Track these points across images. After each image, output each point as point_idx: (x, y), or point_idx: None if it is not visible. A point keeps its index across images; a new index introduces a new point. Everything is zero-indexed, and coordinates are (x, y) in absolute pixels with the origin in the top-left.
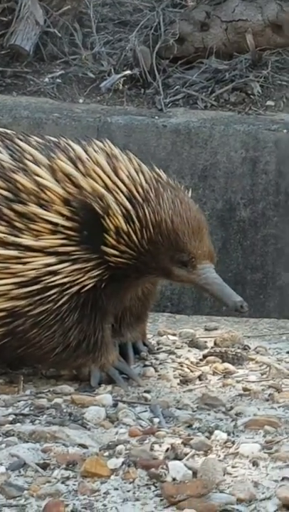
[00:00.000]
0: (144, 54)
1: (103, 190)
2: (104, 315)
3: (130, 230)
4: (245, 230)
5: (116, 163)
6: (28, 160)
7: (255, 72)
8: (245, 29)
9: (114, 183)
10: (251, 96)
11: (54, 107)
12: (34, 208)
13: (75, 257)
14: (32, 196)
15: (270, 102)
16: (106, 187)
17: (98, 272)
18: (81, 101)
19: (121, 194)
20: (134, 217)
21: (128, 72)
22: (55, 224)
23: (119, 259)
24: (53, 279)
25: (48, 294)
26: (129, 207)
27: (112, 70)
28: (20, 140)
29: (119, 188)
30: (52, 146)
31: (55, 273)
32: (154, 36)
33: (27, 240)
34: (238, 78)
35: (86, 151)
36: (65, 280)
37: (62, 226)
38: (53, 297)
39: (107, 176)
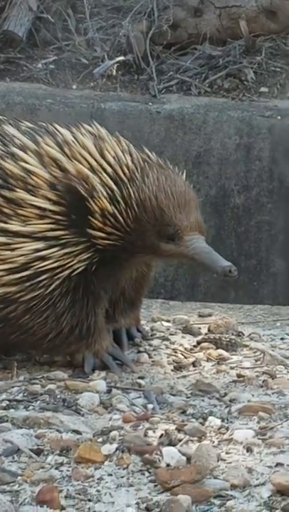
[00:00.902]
0: (138, 40)
1: (88, 172)
2: (96, 299)
3: (116, 211)
4: (239, 216)
5: (102, 145)
6: (16, 146)
7: (249, 59)
8: (239, 15)
9: (99, 164)
10: (245, 82)
11: (47, 93)
12: (21, 194)
13: (64, 241)
14: (19, 182)
15: (263, 89)
16: (91, 169)
17: (88, 255)
18: (74, 87)
19: (106, 175)
20: (118, 197)
21: (122, 58)
22: (43, 209)
23: (106, 241)
24: (42, 265)
25: (39, 279)
26: (114, 187)
27: (106, 56)
28: (11, 125)
29: (104, 169)
30: (40, 132)
31: (44, 258)
32: (148, 22)
33: (15, 226)
34: (232, 64)
35: (73, 135)
36: (55, 265)
37: (50, 211)
38: (43, 283)
39: (93, 157)
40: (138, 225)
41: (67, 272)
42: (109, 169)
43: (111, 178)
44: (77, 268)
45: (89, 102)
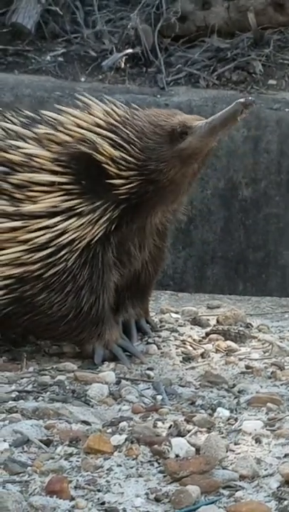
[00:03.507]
0: (146, 32)
1: (83, 132)
2: (111, 273)
3: (123, 153)
4: (247, 209)
5: (90, 108)
6: (13, 137)
7: (257, 51)
8: (247, 8)
9: (92, 123)
10: (253, 75)
11: (56, 85)
12: (27, 174)
13: (79, 210)
14: (24, 167)
15: (272, 81)
16: (86, 130)
17: (106, 217)
18: (83, 79)
19: (100, 129)
20: (120, 141)
21: (130, 50)
22: (51, 184)
23: (129, 186)
24: (62, 239)
25: (60, 254)
26: (111, 135)
27: (114, 49)
28: (12, 116)
29: (97, 125)
30: (36, 119)
31: (63, 232)
32: (156, 15)
33: (27, 207)
34: (240, 57)
35: (60, 112)
36: (74, 236)
37: (59, 183)
38: (64, 257)
39: (84, 121)
40: (149, 152)
41: (86, 241)
42: (101, 122)
43: (106, 129)
44: (98, 234)
45: (97, 95)
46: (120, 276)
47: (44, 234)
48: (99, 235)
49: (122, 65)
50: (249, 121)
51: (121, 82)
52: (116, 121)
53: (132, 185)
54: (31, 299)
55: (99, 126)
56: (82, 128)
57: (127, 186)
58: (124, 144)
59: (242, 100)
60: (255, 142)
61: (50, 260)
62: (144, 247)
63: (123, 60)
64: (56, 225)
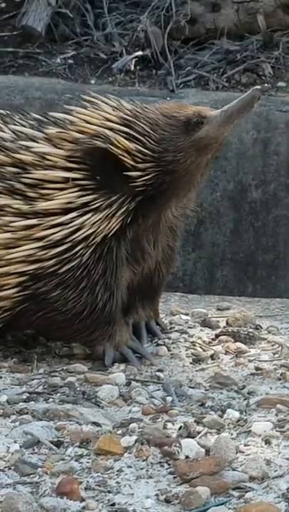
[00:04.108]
0: (156, 35)
1: (96, 127)
2: (123, 270)
3: (138, 146)
4: (256, 211)
5: (99, 107)
6: (24, 139)
7: (267, 53)
8: (257, 10)
9: (103, 119)
10: (262, 77)
11: (66, 87)
12: (41, 171)
13: (95, 205)
14: (37, 167)
15: (281, 83)
16: (98, 126)
17: (122, 210)
18: (93, 82)
19: (113, 123)
20: (134, 133)
21: (140, 53)
22: (65, 180)
23: (146, 178)
24: (78, 234)
25: (76, 250)
26: (125, 129)
27: (124, 51)
28: (20, 119)
29: (109, 120)
30: (45, 121)
31: (79, 228)
32: (166, 17)
33: (42, 204)
34: (250, 59)
35: (68, 112)
36: (90, 231)
37: (73, 179)
38: (80, 252)
39: (95, 117)
40: (165, 143)
41: (101, 236)
42: (113, 117)
43: (119, 124)
44: (114, 228)
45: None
46: (133, 274)
47: (60, 230)
48: (115, 229)
49: (132, 68)
50: (258, 124)
51: (131, 84)
52: (127, 115)
53: (148, 176)
54: (45, 295)
55: (110, 121)
56: (93, 124)
57: (143, 178)
58: (139, 137)
59: (259, 87)
60: (264, 144)
61: (65, 256)
62: (158, 244)
63: (133, 62)
64: (72, 221)
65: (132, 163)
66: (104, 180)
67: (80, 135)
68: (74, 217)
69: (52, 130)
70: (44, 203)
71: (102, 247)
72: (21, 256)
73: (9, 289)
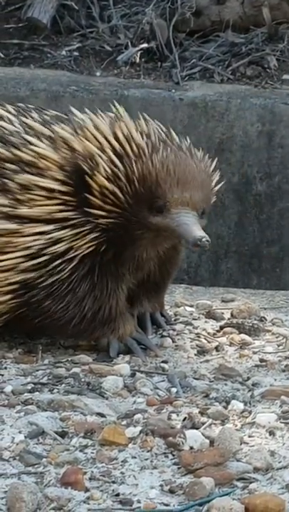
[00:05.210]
0: (161, 27)
1: (94, 149)
2: (117, 281)
3: (115, 188)
4: (261, 203)
5: (117, 124)
6: (29, 133)
7: (272, 46)
8: (262, 3)
9: (108, 142)
10: (267, 70)
11: (71, 79)
12: (29, 176)
13: (73, 221)
14: (32, 167)
15: (286, 76)
16: (101, 147)
17: (95, 235)
18: (98, 74)
19: (111, 152)
20: (121, 174)
21: (145, 45)
22: (51, 190)
23: (106, 220)
24: (55, 247)
25: (55, 264)
26: (118, 163)
27: (129, 43)
28: (36, 113)
29: (112, 147)
30: (61, 118)
31: (57, 241)
32: (171, 9)
33: (23, 210)
34: (255, 52)
35: (90, 118)
36: (67, 247)
37: (58, 192)
38: (60, 267)
39: (104, 136)
40: (135, 201)
41: (78, 253)
42: (117, 146)
43: (117, 155)
44: (88, 248)
45: (112, 89)
46: (134, 276)
47: (38, 240)
48: (90, 249)
49: (137, 60)
50: (263, 116)
51: (136, 76)
52: (132, 150)
53: (109, 220)
54: (37, 304)
55: (113, 148)
56: (98, 141)
57: (105, 219)
58: (124, 180)
59: (202, 238)
60: (269, 137)
61: (47, 269)
62: (144, 268)
63: (138, 54)
64: (50, 233)
65: (100, 203)
66: (83, 201)
67: (79, 147)
68: (52, 230)
69: (59, 129)
70: (25, 209)
71: (84, 266)
72: (8, 265)
73: (3, 295)
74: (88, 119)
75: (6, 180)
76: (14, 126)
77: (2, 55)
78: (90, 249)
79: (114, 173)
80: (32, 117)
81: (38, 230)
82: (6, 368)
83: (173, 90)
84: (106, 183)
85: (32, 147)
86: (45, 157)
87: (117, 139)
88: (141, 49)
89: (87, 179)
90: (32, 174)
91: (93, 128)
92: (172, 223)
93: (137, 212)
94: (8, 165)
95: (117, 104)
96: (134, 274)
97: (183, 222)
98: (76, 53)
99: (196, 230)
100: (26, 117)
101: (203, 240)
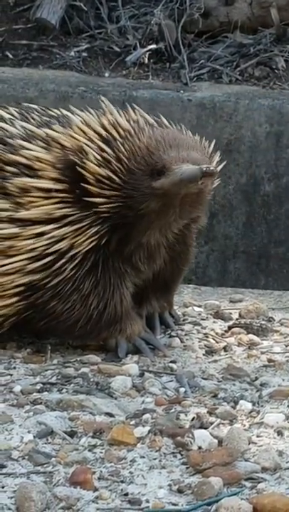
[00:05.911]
0: (170, 28)
1: (82, 140)
2: (120, 278)
3: (108, 171)
4: (269, 204)
5: (104, 116)
6: (22, 137)
7: (280, 47)
8: (270, 3)
9: (96, 132)
10: (276, 70)
11: (80, 80)
12: (27, 179)
13: (72, 218)
14: (30, 170)
15: None
16: (89, 139)
17: (95, 229)
18: (107, 75)
19: (99, 140)
20: (110, 157)
21: (153, 46)
22: (48, 190)
23: (108, 206)
24: (58, 246)
25: (61, 263)
26: (106, 148)
27: (138, 44)
28: (38, 114)
29: (99, 135)
30: (58, 118)
31: (58, 240)
32: (180, 10)
33: (22, 213)
34: (263, 53)
35: (78, 115)
36: (69, 244)
37: (55, 190)
38: (65, 266)
39: (91, 128)
40: (132, 176)
41: (81, 250)
42: (104, 133)
43: (104, 142)
44: (90, 244)
45: (121, 90)
46: (140, 274)
47: (40, 241)
48: (91, 245)
49: (146, 61)
50: (271, 117)
51: (144, 77)
52: (118, 133)
53: (113, 205)
54: (44, 306)
55: (100, 136)
56: (86, 134)
57: (107, 206)
58: (114, 162)
59: (204, 168)
60: (277, 137)
61: (52, 269)
62: (155, 259)
63: (146, 55)
64: (51, 232)
65: (98, 190)
66: (81, 194)
67: (68, 143)
68: (53, 229)
69: (51, 131)
70: (25, 211)
71: (87, 262)
72: (14, 268)
73: (10, 297)
74: (76, 116)
75: (7, 184)
76: (16, 128)
77: (11, 56)
78: (92, 244)
79: (104, 158)
80: (33, 118)
81: (38, 231)
82: (15, 367)
83: (181, 91)
84: (98, 169)
85: (26, 150)
86: (39, 159)
87: (103, 127)
88: (149, 50)
89: (80, 170)
90: (30, 177)
91: (81, 123)
92: (176, 176)
93: (137, 186)
94: (8, 168)
95: (103, 98)
96: (147, 265)
97: (186, 169)
98: (85, 54)
99: (194, 169)
100: (27, 119)
101: (211, 168)
